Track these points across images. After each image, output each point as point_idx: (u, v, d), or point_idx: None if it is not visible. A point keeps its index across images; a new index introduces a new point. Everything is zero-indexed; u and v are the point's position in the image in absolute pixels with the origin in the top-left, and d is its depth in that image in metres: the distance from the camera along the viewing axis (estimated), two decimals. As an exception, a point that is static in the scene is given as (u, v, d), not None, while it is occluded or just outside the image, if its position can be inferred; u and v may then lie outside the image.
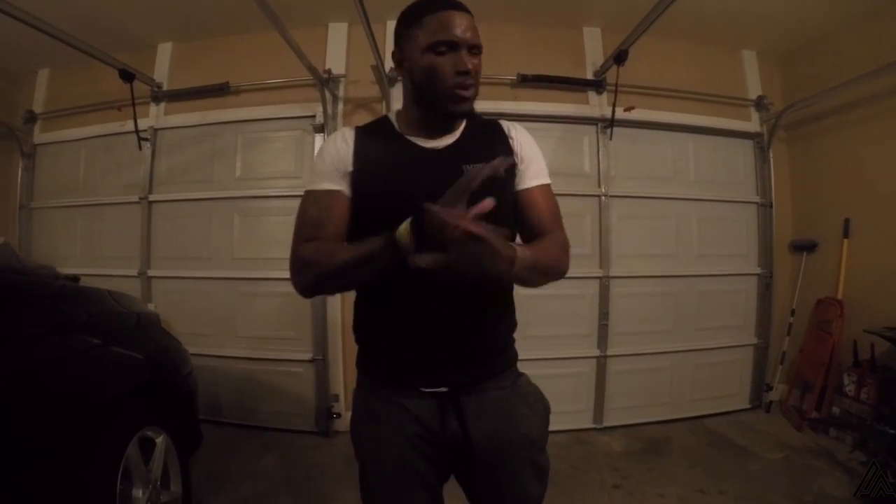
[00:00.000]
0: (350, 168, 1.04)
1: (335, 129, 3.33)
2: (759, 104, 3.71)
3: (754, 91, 3.75)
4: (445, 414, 1.05)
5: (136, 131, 3.34)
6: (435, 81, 0.98)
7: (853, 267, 3.32)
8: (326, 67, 3.29)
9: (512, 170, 1.09)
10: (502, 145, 1.11)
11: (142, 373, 1.72)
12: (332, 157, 1.05)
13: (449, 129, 1.08)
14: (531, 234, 1.10)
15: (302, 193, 1.07)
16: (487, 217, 0.80)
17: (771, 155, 3.71)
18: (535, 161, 1.13)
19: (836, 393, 3.17)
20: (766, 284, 3.73)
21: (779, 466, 2.79)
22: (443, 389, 1.05)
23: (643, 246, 3.51)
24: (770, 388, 3.70)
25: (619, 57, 3.04)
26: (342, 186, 1.03)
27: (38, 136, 3.85)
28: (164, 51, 3.62)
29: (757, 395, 3.73)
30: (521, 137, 1.14)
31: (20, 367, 1.24)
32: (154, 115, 3.57)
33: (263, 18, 2.36)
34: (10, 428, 1.16)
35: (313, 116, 3.35)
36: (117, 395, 1.56)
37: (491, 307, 1.09)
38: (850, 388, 3.06)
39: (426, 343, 1.04)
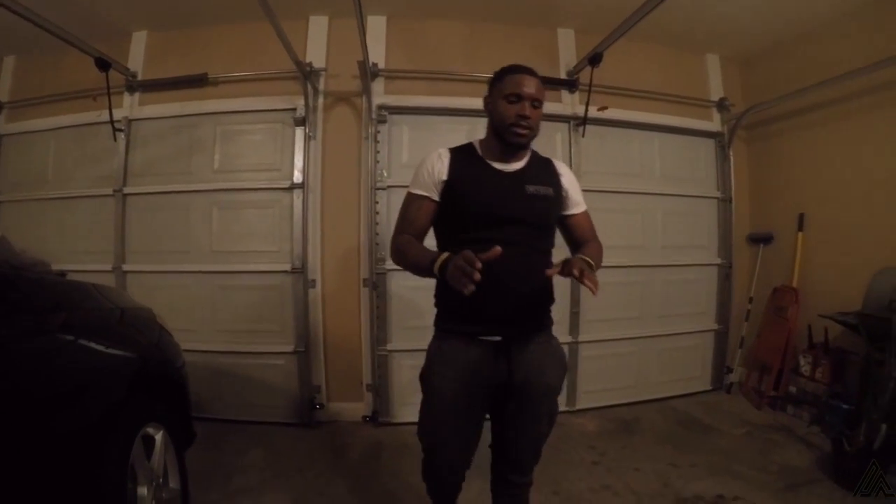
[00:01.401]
0: (445, 178, 1.51)
1: (316, 122, 3.37)
2: (721, 105, 3.93)
3: (716, 93, 3.96)
4: (498, 357, 1.46)
5: (112, 122, 3.27)
6: (503, 119, 1.47)
7: (807, 257, 3.56)
8: (307, 61, 3.28)
9: (559, 194, 1.58)
10: (552, 176, 1.59)
11: (142, 370, 1.67)
12: (429, 170, 1.52)
13: (517, 158, 1.55)
14: (577, 243, 1.64)
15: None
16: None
17: (731, 153, 3.94)
18: (577, 192, 1.64)
19: (792, 373, 3.42)
20: (725, 274, 3.97)
21: (743, 441, 2.99)
22: (497, 338, 1.46)
23: (611, 238, 3.55)
24: (730, 371, 3.94)
25: (594, 59, 3.17)
26: (432, 193, 1.52)
27: (4, 126, 3.68)
28: (139, 39, 3.52)
29: (718, 377, 3.96)
30: (565, 173, 1.64)
31: (17, 367, 1.13)
32: (128, 106, 3.48)
33: (243, 8, 2.32)
34: (14, 432, 1.06)
35: (294, 109, 3.34)
36: (120, 394, 1.50)
37: (539, 283, 1.46)
38: (805, 368, 3.30)
39: (491, 305, 1.41)
